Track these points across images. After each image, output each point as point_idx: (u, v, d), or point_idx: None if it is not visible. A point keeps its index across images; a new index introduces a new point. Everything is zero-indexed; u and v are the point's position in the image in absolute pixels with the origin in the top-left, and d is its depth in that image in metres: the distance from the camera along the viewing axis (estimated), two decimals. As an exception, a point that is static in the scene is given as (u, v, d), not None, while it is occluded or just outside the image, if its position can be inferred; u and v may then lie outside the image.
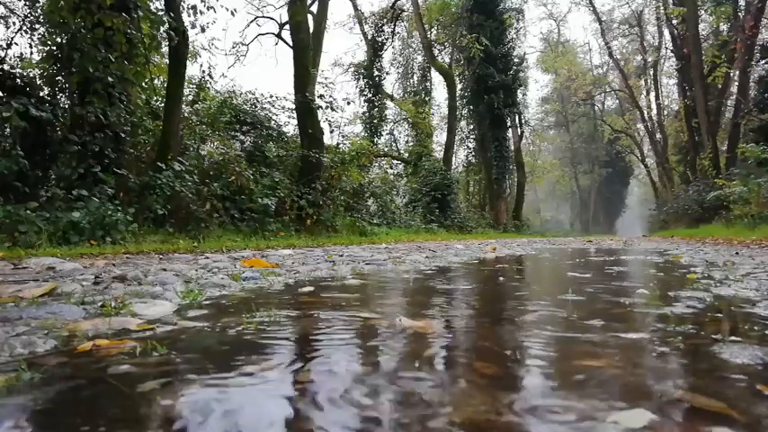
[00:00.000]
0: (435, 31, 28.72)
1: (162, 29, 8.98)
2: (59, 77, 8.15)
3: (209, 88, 13.80)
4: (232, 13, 11.35)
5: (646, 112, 37.24)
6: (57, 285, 2.24)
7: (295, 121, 13.83)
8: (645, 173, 43.39)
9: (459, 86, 27.79)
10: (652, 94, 37.18)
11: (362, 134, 25.96)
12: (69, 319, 1.57)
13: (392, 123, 30.55)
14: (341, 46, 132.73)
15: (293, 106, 13.52)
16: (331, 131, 18.14)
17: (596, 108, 49.93)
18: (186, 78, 11.06)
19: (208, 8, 9.98)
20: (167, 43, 9.53)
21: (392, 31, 29.04)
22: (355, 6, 28.66)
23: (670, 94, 38.04)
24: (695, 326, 1.53)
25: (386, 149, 28.24)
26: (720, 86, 22.75)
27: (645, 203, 54.22)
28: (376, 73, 27.94)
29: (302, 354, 1.25)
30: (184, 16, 9.68)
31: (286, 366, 1.11)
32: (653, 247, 8.52)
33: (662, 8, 29.00)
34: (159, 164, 8.58)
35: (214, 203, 9.38)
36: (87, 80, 7.69)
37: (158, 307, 1.81)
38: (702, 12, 24.36)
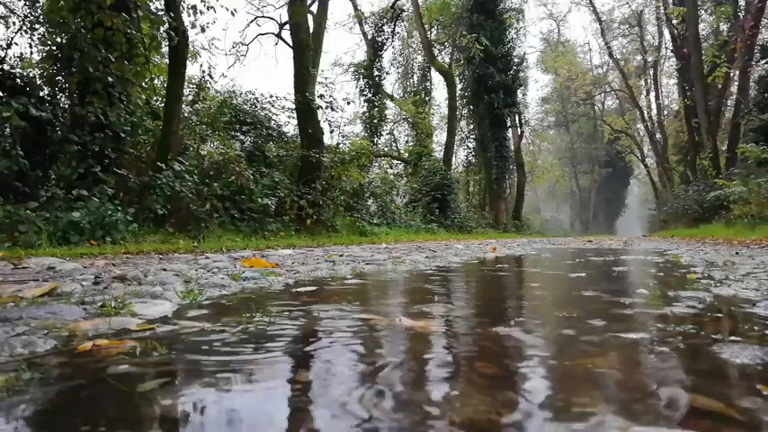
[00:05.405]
0: (435, 31, 28.72)
1: (162, 29, 8.99)
2: (59, 77, 8.15)
3: (209, 88, 13.80)
4: (232, 13, 11.36)
5: (646, 112, 37.24)
6: (57, 285, 2.24)
7: (295, 121, 13.84)
8: (645, 173, 43.38)
9: (459, 86, 27.80)
10: (652, 94, 37.22)
11: (362, 134, 25.92)
12: (69, 319, 1.57)
13: (392, 123, 30.53)
14: (341, 46, 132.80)
15: (293, 106, 13.51)
16: (331, 131, 18.12)
17: (596, 108, 49.91)
18: (186, 78, 11.06)
19: (208, 8, 10.00)
20: (167, 43, 9.53)
21: (392, 31, 29.01)
22: (355, 6, 28.66)
23: (670, 94, 38.11)
24: (695, 326, 1.53)
25: (386, 149, 28.23)
26: (720, 86, 22.72)
27: (645, 203, 54.21)
28: (376, 73, 27.91)
29: (302, 354, 1.24)
30: (184, 16, 9.69)
31: (286, 366, 1.11)
32: (653, 247, 8.52)
33: (662, 8, 28.98)
34: (159, 164, 8.58)
35: (214, 203, 9.38)
36: (87, 80, 7.70)
37: (158, 307, 1.81)
38: (702, 12, 24.37)
